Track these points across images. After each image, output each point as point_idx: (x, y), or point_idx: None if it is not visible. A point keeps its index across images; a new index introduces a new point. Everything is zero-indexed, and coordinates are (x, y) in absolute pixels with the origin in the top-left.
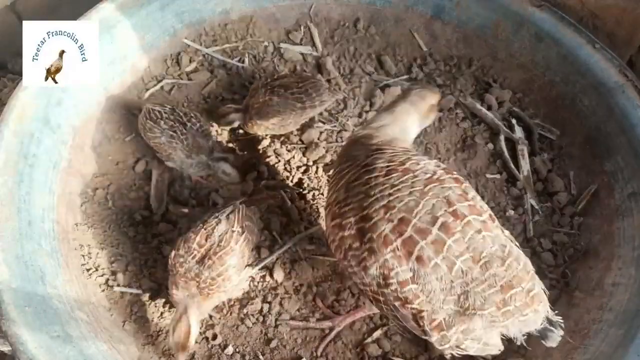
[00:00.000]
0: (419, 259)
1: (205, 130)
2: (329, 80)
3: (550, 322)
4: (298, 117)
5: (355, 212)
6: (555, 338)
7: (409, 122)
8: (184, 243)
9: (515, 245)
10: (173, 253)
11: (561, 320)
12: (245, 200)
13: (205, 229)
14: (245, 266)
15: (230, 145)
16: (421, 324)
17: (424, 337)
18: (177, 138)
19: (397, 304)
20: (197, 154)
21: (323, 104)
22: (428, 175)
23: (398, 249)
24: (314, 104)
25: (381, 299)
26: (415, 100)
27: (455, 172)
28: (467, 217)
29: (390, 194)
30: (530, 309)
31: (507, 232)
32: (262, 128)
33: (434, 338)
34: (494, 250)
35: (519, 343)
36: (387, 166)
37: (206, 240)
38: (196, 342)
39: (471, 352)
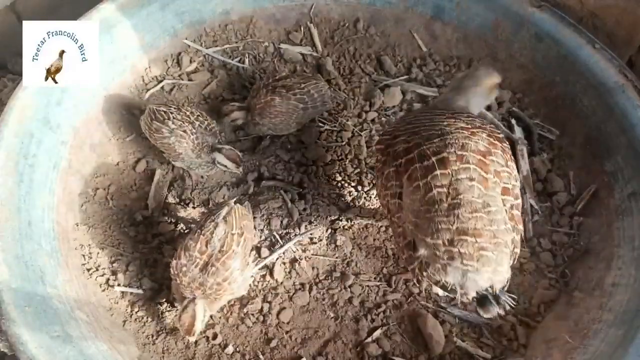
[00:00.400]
0: (409, 177)
1: (213, 128)
2: (329, 81)
3: (496, 298)
4: (300, 118)
5: (393, 133)
6: (491, 311)
7: (474, 96)
8: (184, 251)
9: (514, 232)
10: (175, 262)
11: (512, 303)
12: (239, 199)
13: (203, 235)
14: (248, 264)
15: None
16: (398, 239)
17: (400, 254)
18: (187, 137)
19: (389, 215)
20: (206, 153)
21: (325, 105)
22: (465, 125)
23: (401, 166)
24: (315, 105)
25: (384, 210)
26: (482, 77)
27: (503, 143)
28: (469, 165)
29: (424, 126)
30: (472, 264)
31: (517, 214)
32: (264, 129)
33: (404, 256)
34: (474, 200)
35: (454, 295)
36: (442, 112)
37: (206, 246)
38: (197, 342)
39: (433, 285)
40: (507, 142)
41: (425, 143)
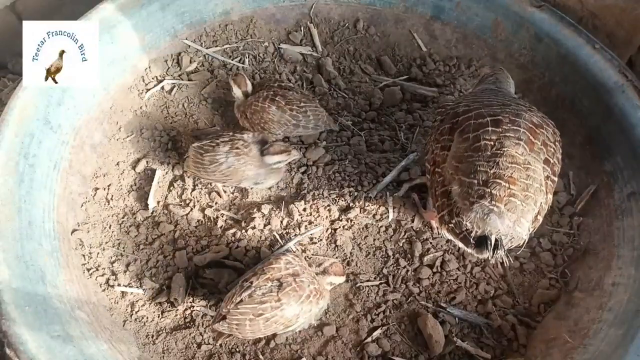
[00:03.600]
0: (462, 131)
1: (258, 135)
2: (329, 81)
3: (495, 246)
4: (287, 133)
5: (456, 101)
6: (484, 254)
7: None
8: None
9: (544, 189)
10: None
11: (506, 259)
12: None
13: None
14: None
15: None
16: (436, 188)
17: (434, 202)
18: (244, 154)
19: (432, 168)
20: (264, 160)
21: (316, 129)
22: (524, 104)
23: (457, 123)
24: (307, 126)
25: (428, 165)
26: (504, 76)
27: (556, 130)
28: (519, 128)
29: (487, 99)
30: (499, 206)
31: (550, 184)
32: (248, 126)
33: (438, 203)
34: (516, 154)
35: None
36: (506, 94)
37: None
38: (198, 344)
39: (454, 237)
40: (560, 137)
41: (485, 108)
